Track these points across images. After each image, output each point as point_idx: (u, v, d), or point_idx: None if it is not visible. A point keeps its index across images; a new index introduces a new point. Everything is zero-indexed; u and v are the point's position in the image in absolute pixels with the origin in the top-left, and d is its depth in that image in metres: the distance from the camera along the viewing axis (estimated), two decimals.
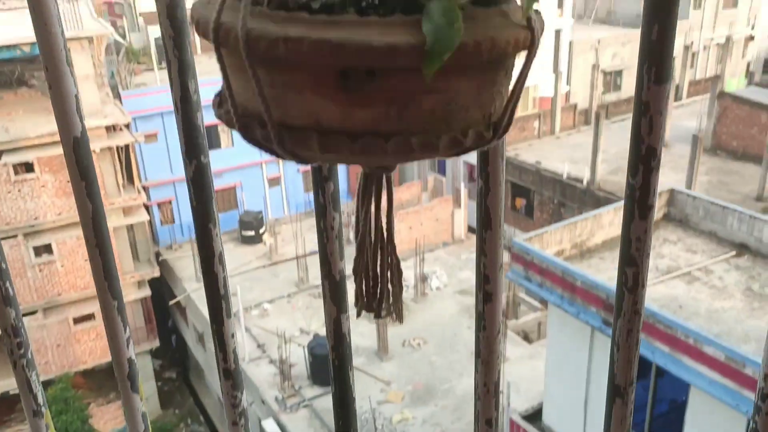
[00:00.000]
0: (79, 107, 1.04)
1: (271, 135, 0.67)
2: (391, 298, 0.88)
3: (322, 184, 1.00)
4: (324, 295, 1.09)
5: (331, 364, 1.14)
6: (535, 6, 0.66)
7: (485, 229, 0.98)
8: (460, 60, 0.62)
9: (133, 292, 22.67)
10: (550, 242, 13.63)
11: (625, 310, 0.94)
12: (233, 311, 1.18)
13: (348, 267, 0.98)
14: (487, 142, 0.71)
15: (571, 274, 12.28)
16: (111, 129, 21.37)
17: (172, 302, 24.20)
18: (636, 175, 0.88)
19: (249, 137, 0.70)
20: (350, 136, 0.65)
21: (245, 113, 0.69)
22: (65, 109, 1.02)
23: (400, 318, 0.89)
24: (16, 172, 20.43)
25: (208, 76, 7.98)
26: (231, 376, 1.17)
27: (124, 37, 30.09)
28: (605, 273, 13.21)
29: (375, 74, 0.63)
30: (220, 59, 0.68)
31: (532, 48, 0.68)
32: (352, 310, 0.99)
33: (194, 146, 1.02)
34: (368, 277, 0.86)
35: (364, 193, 0.81)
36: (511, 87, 0.73)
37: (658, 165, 0.88)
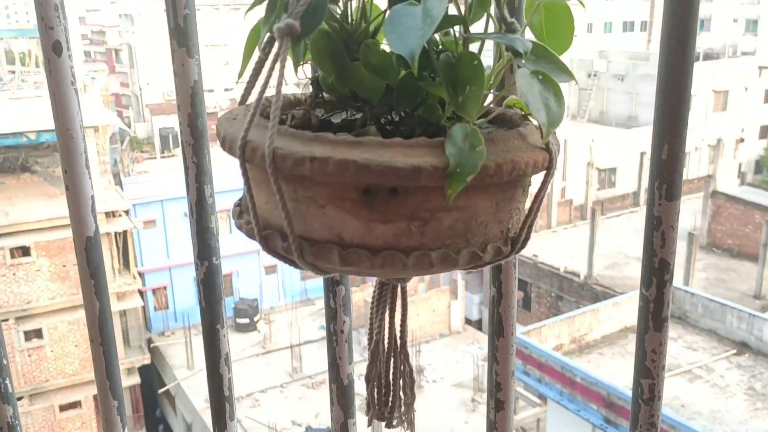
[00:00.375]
0: (94, 208, 1.06)
1: (293, 248, 0.67)
2: (402, 407, 0.86)
3: (333, 288, 1.00)
4: (331, 399, 1.07)
5: None
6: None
7: (498, 336, 0.98)
8: (480, 181, 0.64)
9: (122, 380, 22.10)
10: (549, 336, 13.49)
11: (641, 422, 0.92)
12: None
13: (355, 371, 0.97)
14: (505, 257, 0.72)
15: (571, 369, 12.08)
16: (110, 215, 21.50)
17: (161, 390, 23.60)
18: (649, 288, 0.89)
19: (270, 249, 0.70)
20: (371, 250, 0.66)
21: (267, 225, 0.71)
22: (80, 210, 1.04)
23: (411, 428, 0.87)
24: (13, 256, 20.39)
25: None
26: None
27: (129, 126, 30.84)
28: (605, 369, 13.00)
29: (398, 192, 0.64)
30: (244, 174, 0.69)
31: (550, 168, 0.70)
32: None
33: (207, 248, 1.03)
34: (380, 384, 0.85)
35: (379, 301, 0.81)
36: (528, 204, 0.74)
37: (671, 278, 0.88)
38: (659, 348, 0.90)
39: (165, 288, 25.33)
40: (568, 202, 29.45)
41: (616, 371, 12.94)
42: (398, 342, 0.84)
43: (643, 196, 30.63)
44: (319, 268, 0.69)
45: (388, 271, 0.68)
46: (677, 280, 19.54)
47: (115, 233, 21.75)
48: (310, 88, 0.83)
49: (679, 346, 13.93)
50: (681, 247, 22.97)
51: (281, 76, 0.67)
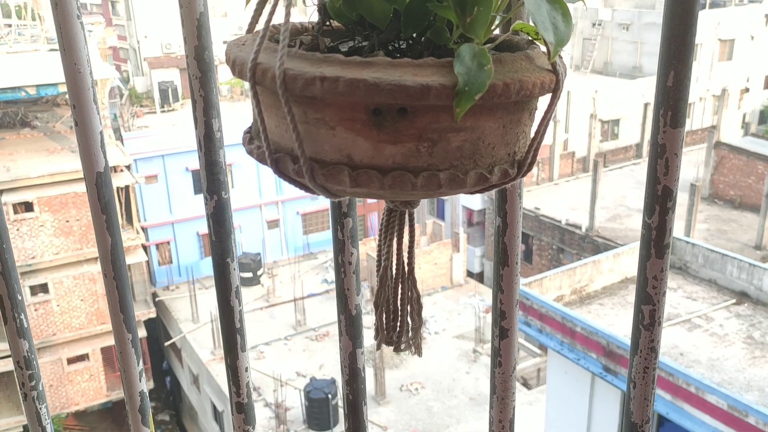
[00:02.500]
0: (103, 144, 1.07)
1: (304, 170, 0.69)
2: (410, 331, 0.89)
3: (341, 220, 1.02)
4: (339, 330, 1.10)
5: (345, 399, 1.14)
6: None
7: (502, 265, 0.99)
8: (488, 101, 0.65)
9: None
10: (550, 288, 13.61)
11: (641, 347, 0.95)
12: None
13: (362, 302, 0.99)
14: (512, 179, 0.73)
15: (571, 320, 12.23)
16: (112, 170, 21.48)
17: (167, 343, 23.97)
18: (652, 215, 0.90)
19: (281, 172, 0.72)
20: (380, 171, 0.67)
21: (278, 149, 0.72)
22: (90, 145, 1.05)
23: (419, 351, 0.90)
24: (16, 212, 20.46)
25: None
26: (243, 410, 1.17)
27: (128, 80, 30.52)
28: (605, 319, 13.15)
29: (407, 112, 0.65)
30: (255, 97, 0.70)
31: (556, 90, 0.70)
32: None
33: (215, 182, 1.04)
34: (389, 310, 0.87)
35: (387, 227, 0.83)
36: (535, 127, 0.75)
37: (674, 205, 0.90)
38: (660, 275, 0.92)
39: (168, 243, 25.48)
40: (570, 154, 29.35)
41: (616, 321, 13.10)
42: (406, 268, 0.86)
43: (645, 148, 30.47)
44: (329, 191, 0.71)
45: (397, 192, 0.69)
46: (678, 231, 19.60)
47: (117, 188, 21.78)
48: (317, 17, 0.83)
49: (679, 296, 14.07)
50: (683, 199, 23.01)
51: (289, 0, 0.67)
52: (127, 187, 21.99)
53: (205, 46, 0.98)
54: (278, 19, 0.75)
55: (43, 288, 21.06)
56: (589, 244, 23.64)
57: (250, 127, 0.80)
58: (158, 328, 24.52)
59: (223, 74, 31.39)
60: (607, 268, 14.20)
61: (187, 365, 22.93)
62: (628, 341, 11.49)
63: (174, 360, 24.80)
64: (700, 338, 12.91)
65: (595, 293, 14.15)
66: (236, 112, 28.52)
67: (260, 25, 0.84)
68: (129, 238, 22.06)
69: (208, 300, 22.77)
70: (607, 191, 26.07)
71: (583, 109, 29.49)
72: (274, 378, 18.33)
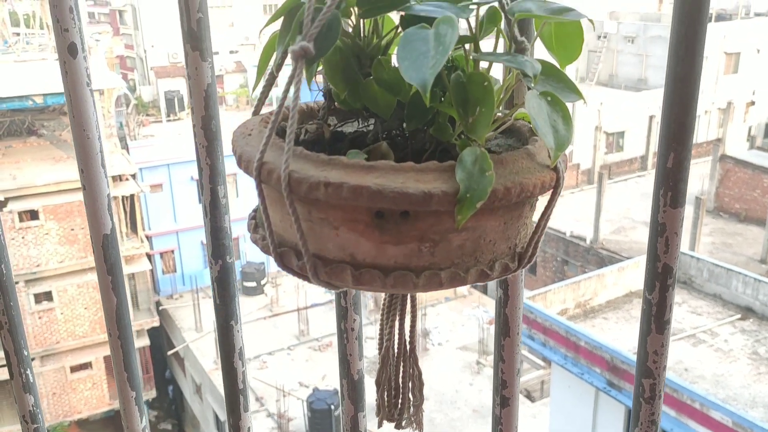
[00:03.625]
0: (110, 205, 1.08)
1: (307, 266, 0.70)
2: (411, 408, 0.89)
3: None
4: (342, 395, 1.11)
5: None
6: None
7: (504, 336, 1.00)
8: (490, 204, 0.66)
9: None
10: (554, 301, 13.58)
11: (642, 420, 0.95)
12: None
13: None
14: (512, 272, 0.74)
15: (575, 334, 12.20)
16: (117, 179, 21.55)
17: (170, 352, 23.96)
18: (652, 291, 0.91)
19: (284, 265, 0.73)
20: (383, 270, 0.68)
21: (282, 243, 0.73)
22: (97, 209, 1.06)
23: (420, 428, 0.91)
24: (21, 219, 20.53)
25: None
26: None
27: (134, 89, 30.66)
28: (609, 333, 13.12)
29: (409, 215, 0.66)
30: (260, 193, 0.71)
31: (557, 187, 0.71)
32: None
33: (220, 247, 1.06)
34: (390, 387, 0.88)
35: (390, 309, 0.84)
36: (536, 219, 0.76)
37: (674, 282, 0.90)
38: (660, 350, 0.93)
39: (172, 251, 25.52)
40: (575, 166, 29.33)
41: (620, 335, 13.05)
42: (407, 347, 0.87)
43: (651, 160, 30.46)
44: (332, 285, 0.72)
45: (399, 290, 0.70)
46: (683, 244, 19.56)
47: (123, 197, 21.85)
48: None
49: (684, 311, 14.02)
50: (688, 212, 22.92)
51: (297, 99, 0.68)
52: (132, 195, 22.07)
53: (212, 115, 0.99)
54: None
55: (47, 296, 21.10)
56: (593, 256, 23.60)
57: (255, 212, 0.81)
58: (161, 336, 24.52)
59: (229, 84, 31.54)
60: (612, 281, 14.17)
61: (190, 374, 22.92)
62: (632, 356, 11.45)
63: (177, 369, 24.80)
64: (704, 353, 12.86)
65: (599, 307, 14.12)
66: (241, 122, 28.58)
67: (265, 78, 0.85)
68: (133, 246, 22.11)
69: (212, 309, 22.75)
70: (612, 203, 26.04)
71: (588, 121, 29.49)
72: (277, 388, 18.31)
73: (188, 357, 22.58)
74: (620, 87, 33.86)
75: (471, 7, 0.70)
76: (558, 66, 0.76)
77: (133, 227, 22.55)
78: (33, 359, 20.40)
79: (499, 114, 0.79)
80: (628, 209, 26.87)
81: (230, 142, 0.78)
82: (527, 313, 13.02)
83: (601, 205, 23.35)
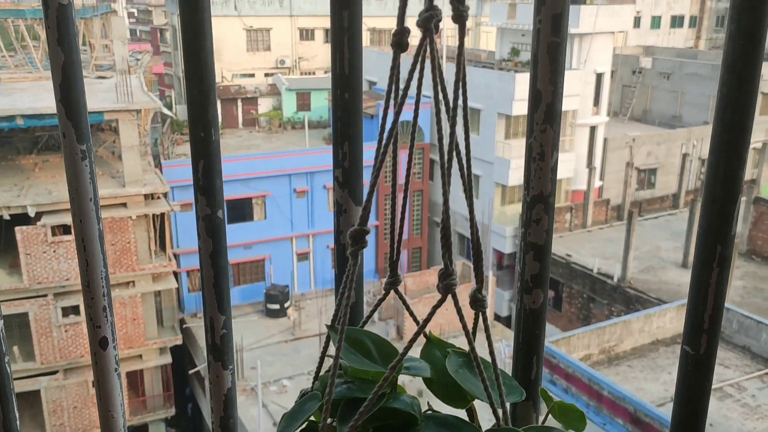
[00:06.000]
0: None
1: None
2: None
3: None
4: None
5: None
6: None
7: None
8: None
9: (154, 359, 22.67)
10: (578, 346, 13.40)
11: None
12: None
13: None
14: None
15: (598, 382, 12.00)
16: (149, 197, 21.89)
17: (192, 371, 24.10)
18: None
19: None
20: None
21: None
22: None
23: None
24: (54, 233, 20.92)
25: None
26: None
27: (171, 106, 31.18)
28: (633, 383, 12.88)
29: None
30: None
31: None
32: None
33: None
34: None
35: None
36: None
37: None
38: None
39: (199, 270, 25.75)
40: (604, 201, 29.06)
41: (645, 385, 12.81)
42: None
43: (683, 198, 30.06)
44: None
45: None
46: None
47: (153, 215, 22.17)
48: None
49: None
50: None
51: None
52: (162, 214, 22.37)
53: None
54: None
55: (75, 310, 21.41)
56: (620, 295, 23.26)
57: None
58: (184, 354, 24.69)
59: (263, 106, 31.90)
60: (638, 328, 13.94)
61: (209, 394, 22.99)
62: (656, 409, 11.22)
63: (197, 388, 24.91)
64: (731, 408, 12.55)
65: (624, 354, 13.89)
66: (272, 145, 28.94)
67: None
68: (161, 264, 22.38)
69: (235, 329, 22.88)
70: (642, 241, 25.68)
71: (620, 156, 29.25)
72: None
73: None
74: (654, 123, 33.57)
75: None
76: None
77: (162, 245, 22.83)
78: (56, 372, 20.46)
79: None
80: (658, 248, 26.47)
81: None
82: (550, 358, 12.86)
83: (630, 242, 23.04)
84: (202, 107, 0.91)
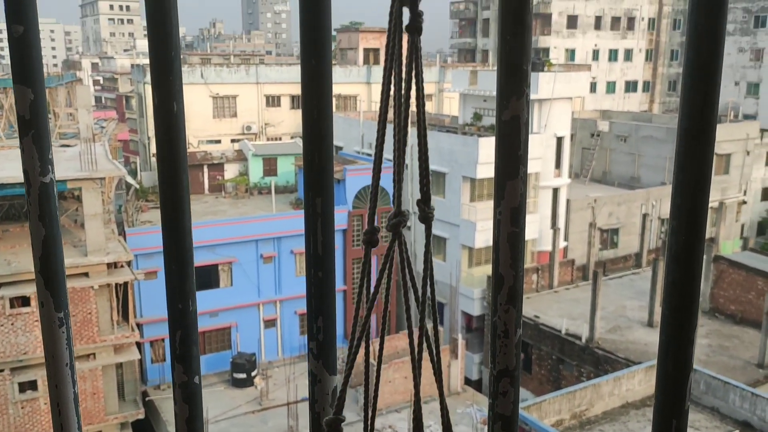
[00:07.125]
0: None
1: None
2: None
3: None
4: None
5: None
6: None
7: None
8: None
9: None
10: (549, 412, 13.33)
11: None
12: None
13: None
14: None
15: None
16: (112, 266, 21.51)
17: None
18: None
19: None
20: None
21: None
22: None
23: None
24: (12, 305, 20.33)
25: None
26: None
27: (136, 172, 31.04)
28: None
29: None
30: None
31: None
32: None
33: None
34: None
35: None
36: None
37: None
38: None
39: (163, 340, 25.17)
40: (569, 262, 29.44)
41: None
42: None
43: (645, 257, 30.61)
44: None
45: None
46: None
47: (116, 284, 21.74)
48: None
49: None
50: None
51: None
52: (125, 283, 21.95)
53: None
54: None
55: (32, 385, 20.64)
56: (589, 355, 23.33)
57: None
58: (146, 429, 23.83)
59: (229, 171, 31.98)
60: (608, 391, 13.96)
61: None
62: None
63: None
64: None
65: (595, 418, 13.85)
66: (238, 210, 28.87)
67: None
68: (124, 335, 21.82)
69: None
70: (607, 301, 25.96)
71: (582, 217, 29.82)
72: None
73: None
74: (614, 184, 34.45)
75: None
76: None
77: (125, 315, 22.31)
78: None
79: None
80: (623, 307, 26.77)
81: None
82: (522, 425, 12.75)
83: (596, 303, 23.28)
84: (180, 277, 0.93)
